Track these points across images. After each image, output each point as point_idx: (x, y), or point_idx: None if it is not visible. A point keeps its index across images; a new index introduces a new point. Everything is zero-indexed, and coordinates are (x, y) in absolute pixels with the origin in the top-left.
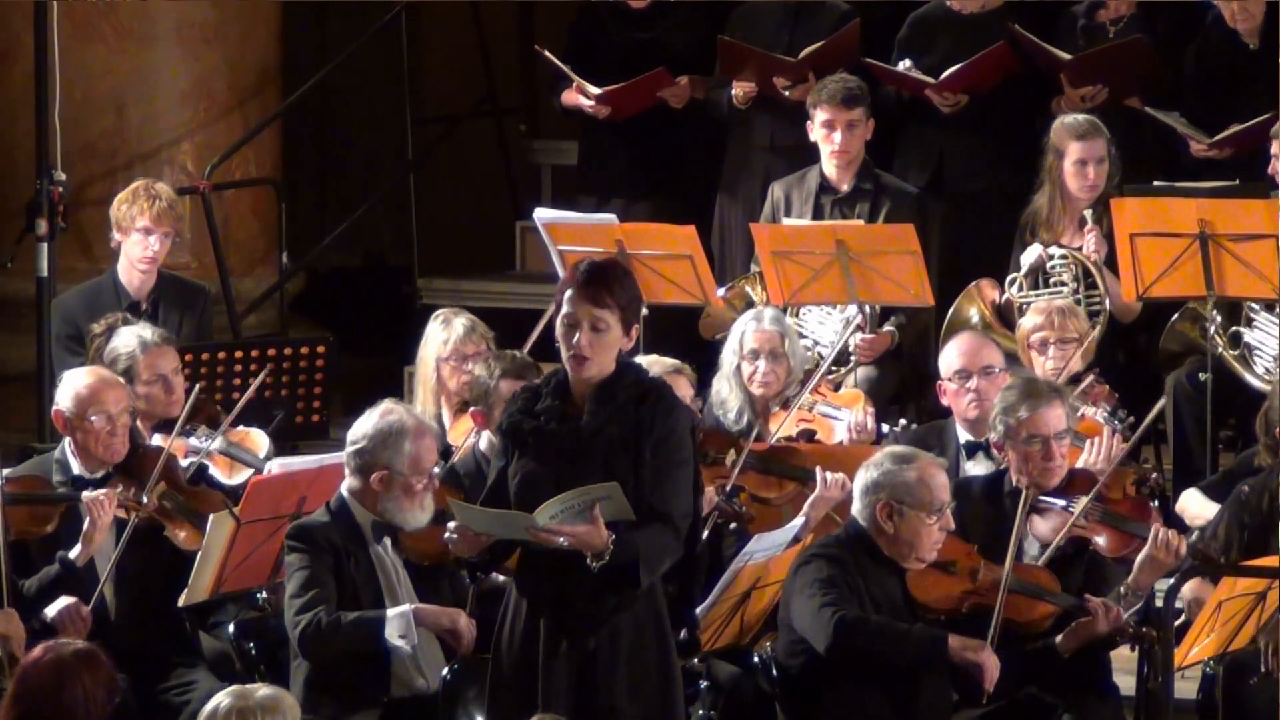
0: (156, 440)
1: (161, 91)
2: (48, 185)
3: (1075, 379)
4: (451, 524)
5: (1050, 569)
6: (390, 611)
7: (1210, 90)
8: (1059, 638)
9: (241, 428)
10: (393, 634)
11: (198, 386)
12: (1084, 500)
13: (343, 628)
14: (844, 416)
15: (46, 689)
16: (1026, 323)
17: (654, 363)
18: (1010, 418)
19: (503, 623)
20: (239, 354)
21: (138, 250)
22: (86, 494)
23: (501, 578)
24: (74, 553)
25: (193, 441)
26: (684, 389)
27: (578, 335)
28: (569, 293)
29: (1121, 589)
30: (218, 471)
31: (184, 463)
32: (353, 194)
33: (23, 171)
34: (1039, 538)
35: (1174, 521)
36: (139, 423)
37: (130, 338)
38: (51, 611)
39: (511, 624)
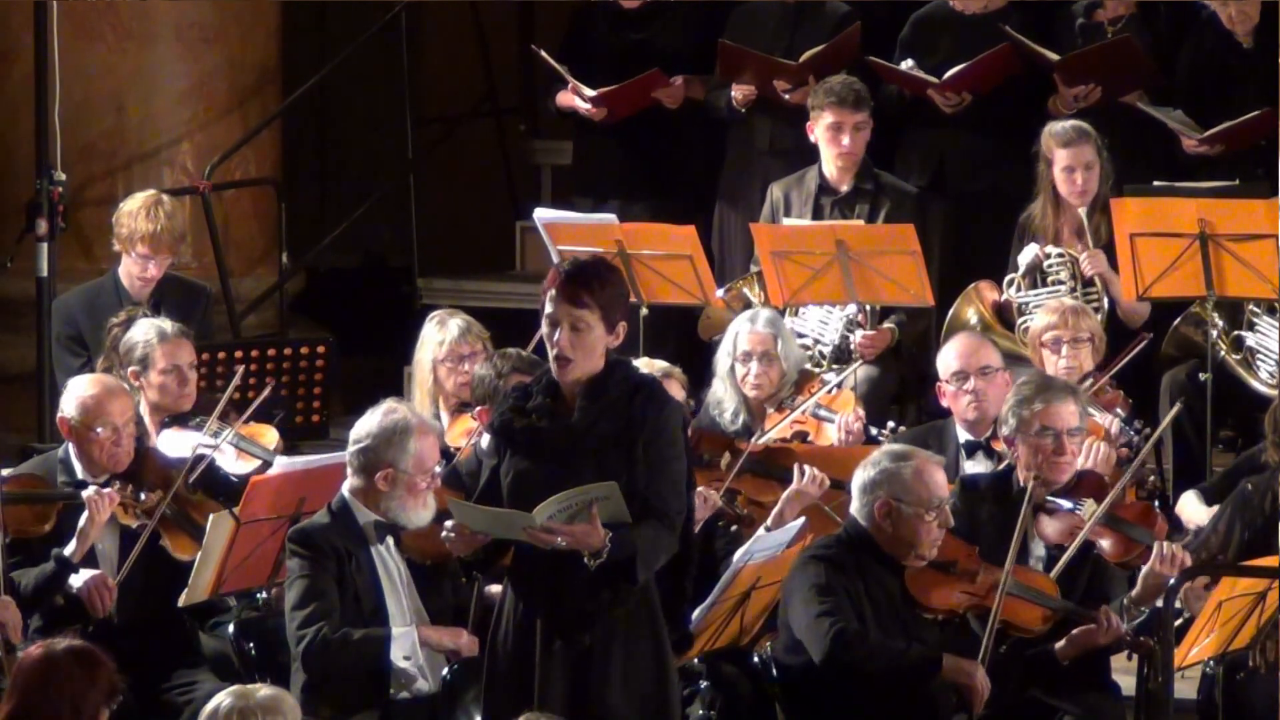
0: (165, 435)
1: (161, 91)
2: (48, 185)
3: (1084, 377)
4: (449, 523)
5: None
6: (395, 631)
7: (1204, 89)
8: (1059, 644)
9: (252, 424)
10: (397, 654)
11: (236, 376)
12: (1091, 504)
13: (347, 646)
14: (836, 418)
15: (34, 687)
16: (1038, 321)
17: (646, 366)
18: (1024, 410)
19: (498, 620)
20: (239, 354)
21: (135, 269)
22: (87, 490)
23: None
24: (69, 549)
25: (203, 435)
26: (675, 392)
27: (558, 335)
28: (551, 293)
29: (1125, 601)
30: (226, 464)
31: (189, 455)
32: (353, 194)
33: (23, 171)
34: (1044, 538)
35: (1179, 527)
36: (148, 417)
37: (149, 328)
38: (78, 582)
39: (507, 621)
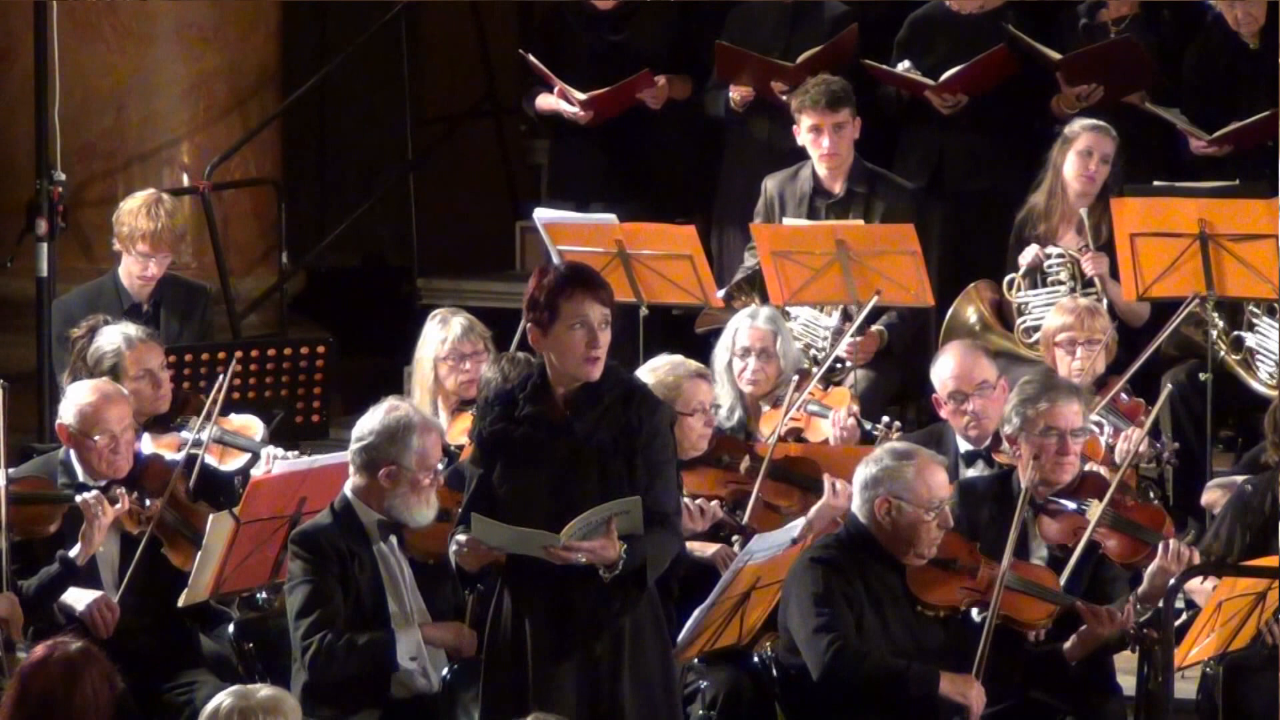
0: (147, 439)
1: (161, 91)
2: (48, 185)
3: (1098, 380)
4: (461, 537)
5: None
6: (399, 634)
7: (1210, 90)
8: (1066, 645)
9: (233, 416)
10: (404, 655)
11: (219, 382)
12: (1096, 504)
13: (353, 651)
14: (831, 414)
15: (57, 690)
16: (1052, 321)
17: (678, 364)
18: (1028, 409)
19: (495, 620)
20: (239, 354)
21: (136, 268)
22: (83, 494)
23: None
24: (74, 551)
25: (185, 434)
26: (705, 394)
27: (596, 336)
28: (571, 295)
29: (1132, 599)
30: (212, 460)
31: (178, 455)
32: (353, 194)
33: (23, 171)
34: (1048, 539)
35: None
36: None
37: (115, 335)
38: (80, 605)
39: (506, 627)
